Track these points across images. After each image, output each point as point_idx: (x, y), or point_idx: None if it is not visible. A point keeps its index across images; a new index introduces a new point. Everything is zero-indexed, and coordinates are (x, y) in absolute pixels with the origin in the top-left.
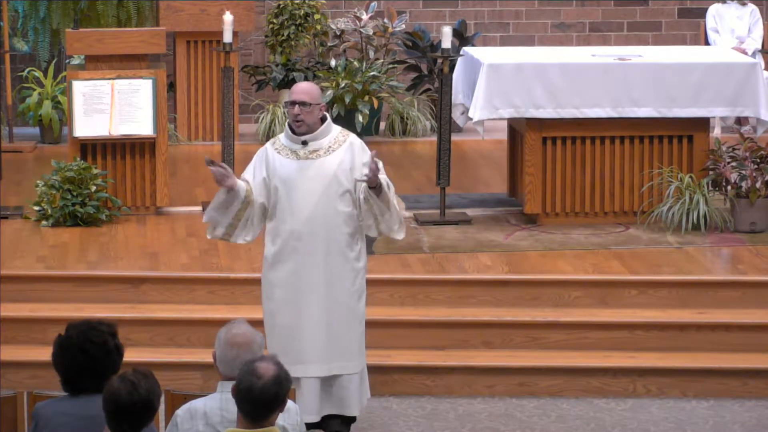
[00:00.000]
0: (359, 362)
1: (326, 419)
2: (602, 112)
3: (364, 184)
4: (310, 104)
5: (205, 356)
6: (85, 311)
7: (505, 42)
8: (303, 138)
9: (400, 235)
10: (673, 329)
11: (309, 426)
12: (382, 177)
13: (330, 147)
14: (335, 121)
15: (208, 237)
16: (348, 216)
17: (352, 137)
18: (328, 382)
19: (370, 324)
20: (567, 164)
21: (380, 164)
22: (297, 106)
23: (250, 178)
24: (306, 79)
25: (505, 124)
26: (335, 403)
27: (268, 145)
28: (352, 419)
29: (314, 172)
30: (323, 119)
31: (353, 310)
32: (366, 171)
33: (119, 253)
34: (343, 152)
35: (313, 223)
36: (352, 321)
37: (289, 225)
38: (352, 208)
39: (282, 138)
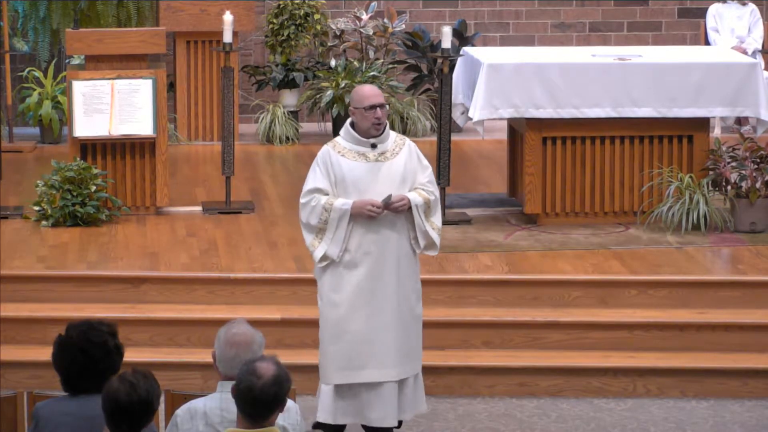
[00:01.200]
0: (419, 363)
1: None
2: (602, 112)
3: None
4: (384, 106)
5: (205, 356)
6: (85, 311)
7: (505, 42)
8: (372, 141)
9: (430, 253)
10: (673, 329)
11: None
12: (420, 195)
13: (394, 150)
14: (335, 120)
15: (322, 265)
16: (413, 218)
17: (408, 140)
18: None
19: None
20: (567, 164)
21: (428, 171)
22: (378, 109)
23: (326, 185)
24: (306, 79)
25: (505, 124)
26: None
27: (329, 149)
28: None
29: (385, 174)
30: None
31: (416, 311)
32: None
33: (119, 253)
34: (405, 155)
35: (386, 226)
36: (416, 322)
37: (361, 228)
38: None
39: (342, 141)
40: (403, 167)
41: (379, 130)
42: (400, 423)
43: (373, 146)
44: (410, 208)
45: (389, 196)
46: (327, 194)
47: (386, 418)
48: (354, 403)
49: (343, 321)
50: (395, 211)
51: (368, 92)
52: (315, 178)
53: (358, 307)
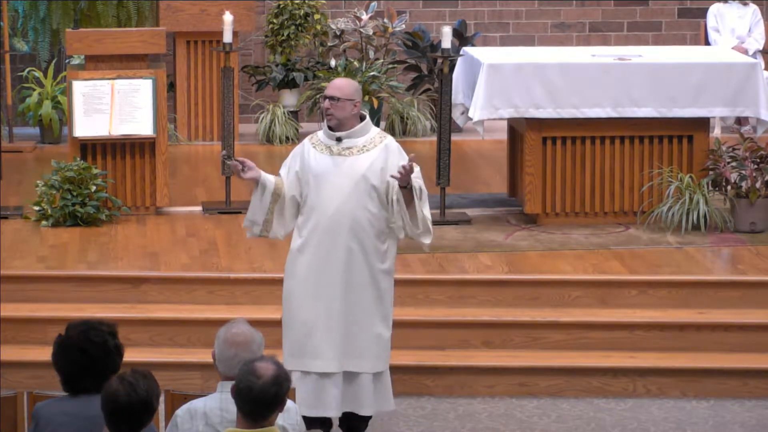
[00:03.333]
0: (376, 363)
1: (345, 417)
2: (602, 112)
3: (397, 185)
4: (339, 99)
5: (205, 356)
6: (85, 311)
7: (505, 42)
8: (338, 134)
9: (425, 240)
10: (673, 329)
11: (310, 421)
12: (417, 181)
13: (365, 146)
14: None
15: (248, 236)
16: (374, 216)
17: (389, 139)
18: (347, 380)
19: None
20: (567, 164)
21: (417, 168)
22: (327, 100)
23: (284, 173)
24: (306, 79)
25: (505, 124)
26: (351, 400)
27: (306, 140)
28: (368, 417)
29: (345, 169)
30: (362, 118)
31: (373, 311)
32: (400, 170)
33: (119, 253)
34: (377, 152)
35: (339, 220)
36: (370, 321)
37: (315, 219)
38: (379, 209)
39: (320, 134)
40: (367, 164)
41: (329, 120)
42: (369, 417)
43: (339, 140)
44: (408, 188)
45: (412, 158)
46: (281, 179)
47: (327, 410)
48: (309, 393)
49: (293, 308)
50: (405, 174)
51: (331, 83)
52: (283, 164)
53: (306, 296)
